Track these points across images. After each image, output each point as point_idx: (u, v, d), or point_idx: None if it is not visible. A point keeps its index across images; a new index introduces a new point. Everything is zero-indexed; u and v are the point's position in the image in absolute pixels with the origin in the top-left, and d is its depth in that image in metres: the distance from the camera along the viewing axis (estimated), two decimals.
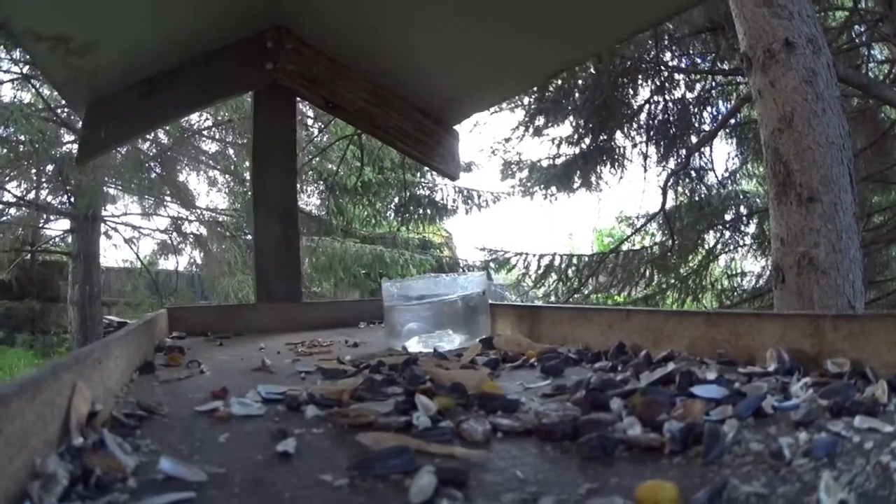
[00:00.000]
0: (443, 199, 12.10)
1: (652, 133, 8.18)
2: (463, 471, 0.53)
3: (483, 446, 0.64)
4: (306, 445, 0.66)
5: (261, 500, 0.51)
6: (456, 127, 2.67)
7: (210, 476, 0.55)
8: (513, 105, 8.22)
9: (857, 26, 7.00)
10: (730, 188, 8.55)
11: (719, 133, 7.90)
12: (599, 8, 1.76)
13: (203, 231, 10.93)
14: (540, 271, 8.24)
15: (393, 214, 12.16)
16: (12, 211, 10.23)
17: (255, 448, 0.65)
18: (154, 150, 10.07)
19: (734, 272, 8.55)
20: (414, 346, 1.45)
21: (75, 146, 9.17)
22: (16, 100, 8.92)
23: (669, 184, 7.75)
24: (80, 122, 2.23)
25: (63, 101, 9.37)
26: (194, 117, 9.62)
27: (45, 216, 10.55)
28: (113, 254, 11.33)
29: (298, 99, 2.55)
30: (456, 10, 1.91)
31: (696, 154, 8.03)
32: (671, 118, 8.08)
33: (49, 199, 10.31)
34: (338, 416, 0.75)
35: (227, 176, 11.04)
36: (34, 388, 0.56)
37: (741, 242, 8.30)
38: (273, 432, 0.69)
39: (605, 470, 0.55)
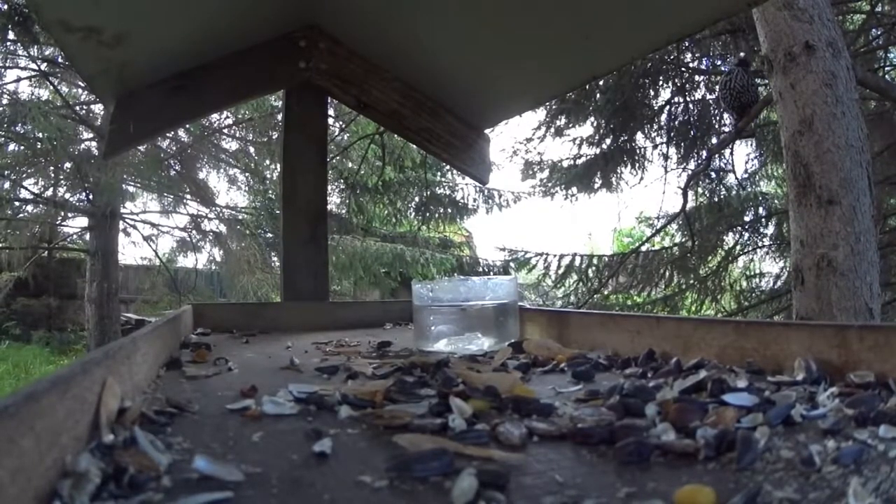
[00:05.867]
0: (463, 199, 12.08)
1: (672, 134, 8.14)
2: (503, 473, 0.53)
3: (520, 450, 0.64)
4: (342, 446, 0.66)
5: (300, 501, 0.51)
6: (487, 131, 2.67)
7: (246, 476, 0.55)
8: None
9: (874, 30, 6.97)
10: (749, 190, 8.51)
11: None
12: (638, 15, 1.75)
13: (223, 229, 10.94)
14: (560, 271, 8.20)
15: (413, 213, 12.11)
16: (29, 208, 10.25)
17: (291, 448, 0.65)
18: (174, 148, 10.08)
19: (753, 273, 8.51)
20: (442, 348, 1.45)
21: (94, 143, 9.24)
22: (33, 97, 8.97)
23: (690, 185, 7.73)
24: (109, 117, 2.21)
25: (81, 99, 9.44)
26: (214, 115, 9.62)
27: (62, 213, 10.56)
28: (131, 251, 11.39)
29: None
30: (492, 13, 1.91)
31: (717, 155, 8.00)
32: (691, 119, 8.05)
33: (67, 196, 10.35)
34: (372, 417, 0.75)
35: (247, 174, 11.05)
36: (65, 384, 0.55)
37: (760, 244, 8.27)
38: (308, 432, 0.69)
39: (641, 474, 0.56)
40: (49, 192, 10.15)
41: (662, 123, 8.24)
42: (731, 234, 8.26)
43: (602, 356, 1.21)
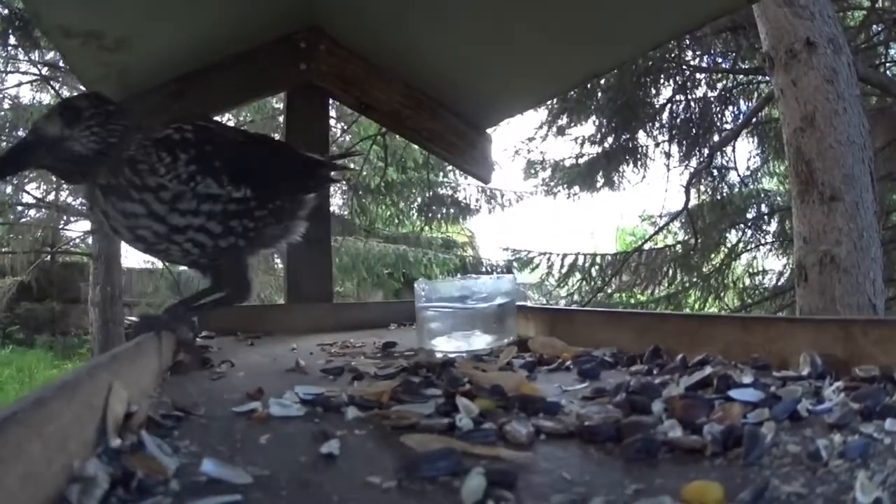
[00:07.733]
0: (466, 199, 12.02)
1: (674, 132, 8.12)
2: (511, 472, 0.54)
3: (527, 448, 0.65)
4: (350, 447, 0.66)
5: (308, 503, 0.51)
6: (489, 130, 2.66)
7: (255, 478, 0.55)
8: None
9: (875, 26, 6.96)
10: (751, 187, 8.50)
11: (741, 132, 7.87)
12: (639, 11, 1.74)
13: None
14: (563, 271, 8.20)
15: (416, 214, 12.07)
16: (32, 212, 10.22)
17: (298, 450, 0.65)
18: None
19: (756, 270, 8.50)
20: (444, 346, 1.45)
21: None
22: (35, 101, 8.96)
23: (692, 183, 7.72)
24: None
25: None
26: (216, 118, 9.55)
27: (65, 217, 10.54)
28: (134, 254, 11.30)
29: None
30: (493, 11, 1.90)
31: (718, 153, 8.00)
32: (693, 117, 8.04)
33: (69, 200, 10.31)
34: (379, 418, 0.75)
35: None
36: (72, 389, 0.56)
37: (763, 241, 8.25)
38: (315, 434, 0.69)
39: (649, 471, 0.56)
40: (51, 197, 10.12)
41: (664, 122, 8.22)
42: (733, 231, 8.24)
43: (607, 354, 1.20)
